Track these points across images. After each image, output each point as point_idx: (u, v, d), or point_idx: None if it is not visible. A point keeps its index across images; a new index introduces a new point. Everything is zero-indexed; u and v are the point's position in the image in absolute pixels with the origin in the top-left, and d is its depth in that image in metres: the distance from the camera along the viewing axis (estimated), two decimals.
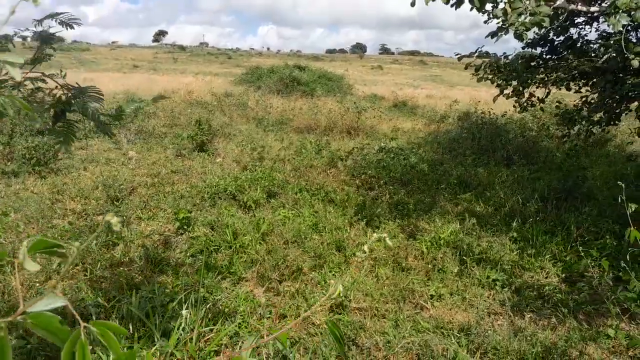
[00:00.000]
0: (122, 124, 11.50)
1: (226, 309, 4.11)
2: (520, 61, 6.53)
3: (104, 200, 6.70)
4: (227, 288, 4.59)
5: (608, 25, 4.34)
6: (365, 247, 1.23)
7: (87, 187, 7.19)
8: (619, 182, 3.04)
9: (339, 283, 1.20)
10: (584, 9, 4.77)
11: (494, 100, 6.51)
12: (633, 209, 2.87)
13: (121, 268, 4.69)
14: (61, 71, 2.25)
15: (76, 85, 2.56)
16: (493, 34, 4.69)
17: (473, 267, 5.10)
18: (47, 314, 0.72)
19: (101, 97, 2.66)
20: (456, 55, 6.38)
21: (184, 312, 2.84)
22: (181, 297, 3.94)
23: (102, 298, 4.01)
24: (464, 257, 5.26)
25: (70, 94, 2.49)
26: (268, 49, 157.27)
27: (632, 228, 2.80)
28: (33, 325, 0.72)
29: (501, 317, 4.33)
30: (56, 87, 2.37)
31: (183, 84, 22.28)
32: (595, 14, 5.35)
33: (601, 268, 5.04)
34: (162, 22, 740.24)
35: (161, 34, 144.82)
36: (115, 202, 6.64)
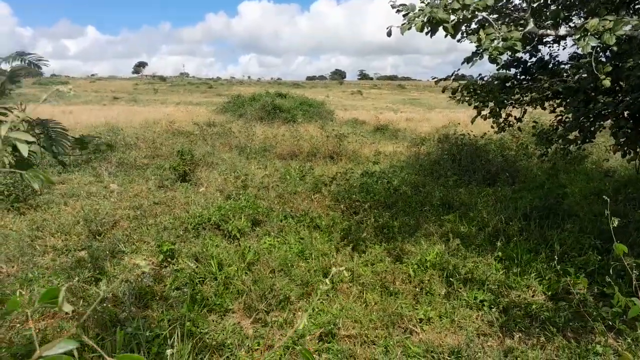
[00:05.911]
0: (103, 157, 11.40)
1: (213, 343, 4.03)
2: (495, 82, 6.67)
3: (85, 235, 6.58)
4: (213, 321, 4.51)
5: (577, 48, 4.49)
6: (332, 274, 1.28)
7: (68, 222, 7.06)
8: (604, 197, 3.06)
9: (305, 317, 1.24)
10: (553, 32, 4.94)
11: (472, 121, 6.63)
12: (616, 224, 2.90)
13: (105, 304, 4.59)
14: (21, 104, 2.21)
15: (36, 119, 2.55)
16: (468, 59, 4.80)
17: (460, 288, 5.11)
18: (63, 357, 0.79)
19: (65, 131, 2.65)
20: (433, 78, 6.51)
21: (168, 352, 2.77)
22: (166, 332, 3.87)
23: (86, 336, 3.90)
24: (451, 279, 5.27)
25: (32, 128, 2.48)
26: (249, 77, 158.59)
27: (617, 242, 2.85)
28: None
29: (491, 338, 4.32)
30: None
31: (164, 114, 22.29)
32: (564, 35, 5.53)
33: (585, 284, 5.11)
34: (142, 53, 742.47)
35: (141, 65, 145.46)
36: (97, 237, 6.53)
